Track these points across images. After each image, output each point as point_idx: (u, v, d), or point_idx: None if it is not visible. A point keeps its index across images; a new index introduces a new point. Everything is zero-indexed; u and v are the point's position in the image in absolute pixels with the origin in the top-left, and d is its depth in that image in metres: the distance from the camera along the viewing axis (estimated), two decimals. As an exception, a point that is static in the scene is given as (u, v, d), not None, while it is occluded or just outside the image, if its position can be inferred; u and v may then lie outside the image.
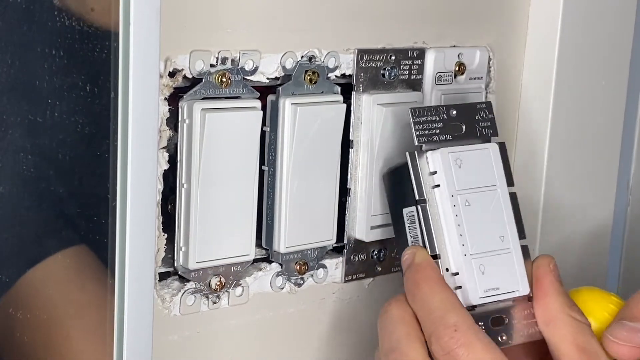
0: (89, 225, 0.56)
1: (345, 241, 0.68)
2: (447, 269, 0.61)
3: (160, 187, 0.58)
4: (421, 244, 0.61)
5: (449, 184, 0.61)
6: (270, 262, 0.65)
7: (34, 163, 0.54)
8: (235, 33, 0.60)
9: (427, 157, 0.61)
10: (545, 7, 0.75)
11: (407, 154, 0.62)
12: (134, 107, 0.50)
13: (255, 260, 0.64)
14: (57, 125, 0.54)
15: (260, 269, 0.64)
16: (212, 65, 0.59)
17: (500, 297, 0.61)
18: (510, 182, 0.63)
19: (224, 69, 0.59)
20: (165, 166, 0.58)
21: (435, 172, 0.61)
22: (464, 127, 0.63)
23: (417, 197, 0.61)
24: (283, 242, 0.64)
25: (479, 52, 0.72)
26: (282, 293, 0.65)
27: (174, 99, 0.58)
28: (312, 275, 0.67)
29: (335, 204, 0.66)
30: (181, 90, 0.58)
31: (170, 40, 0.56)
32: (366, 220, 0.67)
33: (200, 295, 0.61)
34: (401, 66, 0.68)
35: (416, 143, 0.62)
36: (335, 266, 0.68)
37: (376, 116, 0.66)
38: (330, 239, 0.66)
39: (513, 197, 0.63)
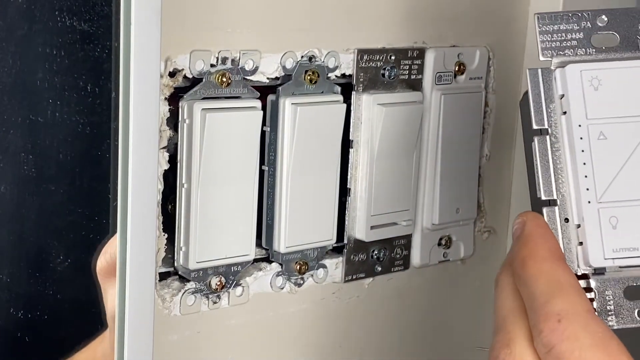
0: (89, 225, 0.56)
1: (345, 241, 0.68)
2: (566, 219, 0.50)
3: (161, 187, 0.58)
4: (538, 184, 0.51)
5: (577, 111, 0.50)
6: (270, 262, 0.65)
7: (34, 163, 0.54)
8: (236, 33, 0.60)
9: (555, 77, 0.51)
10: (544, 7, 0.75)
11: (527, 71, 0.51)
12: (135, 107, 0.50)
13: (256, 260, 0.64)
14: (58, 125, 0.54)
15: (261, 269, 0.64)
16: (212, 65, 0.59)
17: (639, 261, 0.50)
18: None
19: (224, 69, 0.59)
20: (166, 166, 0.58)
21: (563, 96, 0.50)
22: (617, 37, 0.52)
23: (534, 126, 0.51)
24: (283, 242, 0.64)
25: (478, 52, 0.72)
26: (282, 293, 0.65)
27: (174, 99, 0.58)
28: (312, 275, 0.67)
29: (335, 204, 0.66)
30: (181, 90, 0.58)
31: (171, 40, 0.56)
32: (366, 220, 0.67)
33: (200, 295, 0.61)
34: (401, 66, 0.68)
35: (541, 58, 0.51)
36: (335, 266, 0.68)
37: (376, 116, 0.66)
38: (330, 239, 0.66)
39: None
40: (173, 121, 0.58)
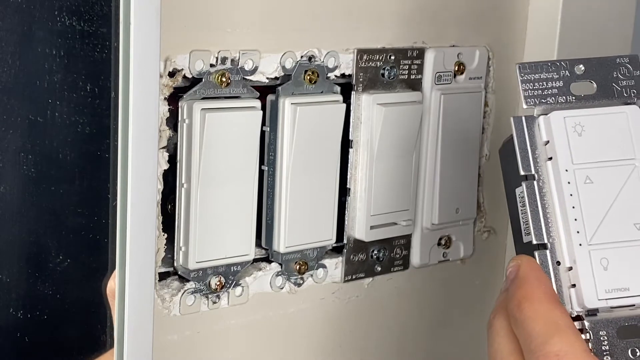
0: (89, 225, 0.56)
1: (345, 241, 0.68)
2: (558, 263, 0.51)
3: (160, 187, 0.58)
4: (529, 230, 0.52)
5: (563, 156, 0.51)
6: (270, 262, 0.65)
7: (34, 163, 0.54)
8: (235, 33, 0.60)
9: (538, 124, 0.52)
10: (544, 6, 0.75)
11: (512, 119, 0.52)
12: (134, 106, 0.50)
13: (255, 260, 0.64)
14: (58, 125, 0.54)
15: (260, 269, 0.64)
16: (211, 65, 0.59)
17: (631, 301, 0.50)
18: None
19: (224, 69, 0.59)
20: (165, 166, 0.58)
21: (548, 142, 0.52)
22: (595, 85, 0.53)
23: (521, 172, 0.52)
24: (283, 242, 0.64)
25: (478, 51, 0.72)
26: (281, 293, 0.65)
27: (174, 98, 0.58)
28: (311, 275, 0.67)
29: (335, 204, 0.66)
30: (181, 90, 0.58)
31: (170, 40, 0.56)
32: (366, 220, 0.67)
33: (200, 295, 0.61)
34: (401, 66, 0.68)
35: (524, 106, 0.52)
36: (334, 266, 0.68)
37: (376, 116, 0.66)
38: (330, 239, 0.66)
39: None
40: (173, 121, 0.58)
